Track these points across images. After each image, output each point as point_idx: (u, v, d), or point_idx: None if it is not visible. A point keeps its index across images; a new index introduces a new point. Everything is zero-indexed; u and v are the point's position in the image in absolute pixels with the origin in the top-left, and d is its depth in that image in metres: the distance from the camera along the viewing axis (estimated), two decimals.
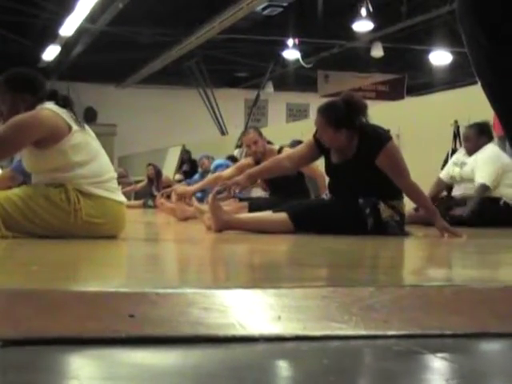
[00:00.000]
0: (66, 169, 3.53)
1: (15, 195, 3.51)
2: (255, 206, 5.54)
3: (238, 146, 12.64)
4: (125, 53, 15.84)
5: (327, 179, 4.74)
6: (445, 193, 6.34)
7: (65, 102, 3.64)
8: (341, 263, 2.83)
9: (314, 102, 15.17)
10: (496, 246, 4.06)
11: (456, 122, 7.75)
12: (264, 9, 12.48)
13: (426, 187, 5.77)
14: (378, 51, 14.90)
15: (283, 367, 1.32)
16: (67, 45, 15.18)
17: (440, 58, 16.09)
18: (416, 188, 4.27)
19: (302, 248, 3.67)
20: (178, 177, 14.11)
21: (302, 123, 13.41)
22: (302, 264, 2.74)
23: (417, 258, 3.45)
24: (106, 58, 16.33)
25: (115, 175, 3.78)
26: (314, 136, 4.43)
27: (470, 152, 5.94)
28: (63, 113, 3.55)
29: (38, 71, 4.02)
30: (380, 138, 4.26)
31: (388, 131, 4.86)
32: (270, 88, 19.60)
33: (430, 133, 8.36)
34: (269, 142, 6.52)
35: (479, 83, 1.25)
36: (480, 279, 2.29)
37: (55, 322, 1.39)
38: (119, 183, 4.03)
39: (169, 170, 15.32)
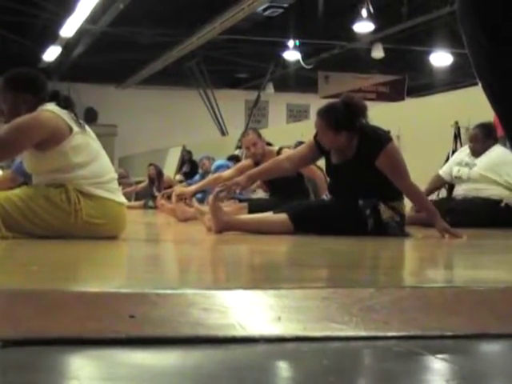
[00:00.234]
0: (67, 170, 3.53)
1: (15, 196, 3.51)
2: (255, 206, 5.53)
3: (238, 147, 12.65)
4: (125, 53, 15.86)
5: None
6: (445, 193, 6.33)
7: (66, 103, 3.64)
8: (341, 264, 2.83)
9: (315, 103, 15.19)
10: (496, 246, 4.06)
11: (456, 123, 7.75)
12: (265, 10, 12.49)
13: None
14: (378, 52, 14.90)
15: (283, 368, 1.32)
16: (68, 45, 15.19)
17: (440, 59, 16.09)
18: (416, 189, 4.28)
19: (302, 249, 3.68)
20: (178, 177, 14.10)
21: (303, 124, 13.40)
22: (302, 265, 2.74)
23: (417, 258, 3.45)
24: (107, 58, 16.34)
25: (116, 176, 3.78)
26: (315, 137, 4.43)
27: (477, 153, 5.81)
28: (64, 114, 3.55)
29: (39, 71, 4.01)
30: (380, 139, 4.26)
31: (388, 132, 4.85)
32: (270, 89, 19.61)
33: (430, 134, 8.34)
34: (268, 144, 6.49)
35: (480, 84, 1.25)
36: (480, 280, 2.29)
37: (55, 322, 1.39)
38: (120, 184, 4.03)
39: (169, 170, 15.30)
